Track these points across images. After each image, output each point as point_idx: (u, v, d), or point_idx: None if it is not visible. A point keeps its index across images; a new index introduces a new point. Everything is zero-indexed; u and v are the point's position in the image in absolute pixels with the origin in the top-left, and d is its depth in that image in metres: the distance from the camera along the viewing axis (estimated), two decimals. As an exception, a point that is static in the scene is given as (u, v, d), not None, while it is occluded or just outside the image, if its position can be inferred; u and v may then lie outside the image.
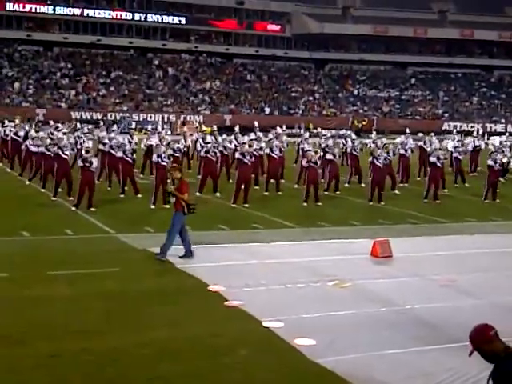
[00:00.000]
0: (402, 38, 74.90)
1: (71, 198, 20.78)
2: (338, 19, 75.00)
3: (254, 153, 24.01)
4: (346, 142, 30.88)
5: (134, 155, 23.23)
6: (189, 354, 8.98)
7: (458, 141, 32.10)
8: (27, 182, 24.58)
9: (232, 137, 29.36)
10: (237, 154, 22.19)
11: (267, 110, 66.89)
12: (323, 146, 26.63)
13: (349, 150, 27.92)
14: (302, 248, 15.64)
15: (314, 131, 37.47)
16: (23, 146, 26.45)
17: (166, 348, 9.15)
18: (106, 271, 12.98)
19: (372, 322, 10.49)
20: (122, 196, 22.17)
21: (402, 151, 27.16)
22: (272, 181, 24.37)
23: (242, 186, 21.36)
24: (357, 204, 22.72)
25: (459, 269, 13.96)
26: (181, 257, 13.81)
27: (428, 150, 27.30)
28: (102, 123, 39.26)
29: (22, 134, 29.46)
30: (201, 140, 27.49)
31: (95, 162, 20.41)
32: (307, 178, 22.27)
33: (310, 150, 23.88)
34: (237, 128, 32.03)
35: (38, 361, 8.58)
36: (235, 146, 26.69)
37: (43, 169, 23.14)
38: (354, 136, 32.01)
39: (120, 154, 22.75)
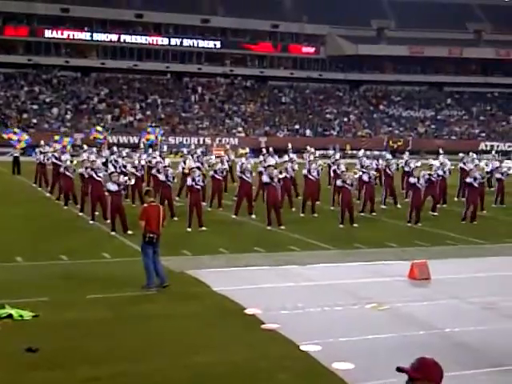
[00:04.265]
0: (438, 59, 74.52)
1: (108, 221, 20.98)
2: (372, 40, 74.94)
3: (286, 175, 24.03)
4: (378, 162, 30.80)
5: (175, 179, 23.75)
6: (227, 379, 8.97)
7: (499, 161, 31.77)
8: (65, 207, 24.85)
9: (261, 158, 29.48)
10: (264, 177, 22.16)
11: (308, 132, 66.84)
12: (358, 166, 26.57)
13: (384, 167, 27.91)
14: (338, 270, 15.55)
15: (349, 152, 37.42)
16: (61, 170, 26.84)
17: (205, 372, 9.14)
18: (144, 294, 13.05)
19: (411, 346, 10.35)
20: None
21: (440, 172, 26.95)
22: (308, 203, 24.30)
23: (272, 209, 21.38)
24: (393, 225, 22.55)
25: (500, 291, 13.74)
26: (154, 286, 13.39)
27: (467, 170, 26.98)
28: (141, 146, 39.66)
29: (64, 158, 29.68)
30: (240, 163, 27.59)
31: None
32: (341, 200, 22.17)
33: (346, 171, 23.75)
34: (264, 150, 32.15)
35: (78, 384, 8.64)
36: (264, 167, 26.67)
37: (81, 192, 23.47)
38: (388, 156, 31.82)
39: (163, 177, 23.09)
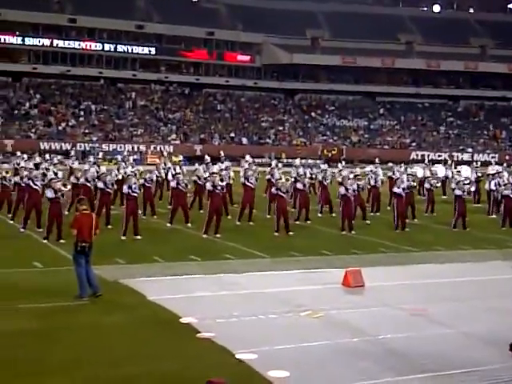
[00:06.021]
0: (370, 69, 75.78)
1: (40, 230, 20.57)
2: (307, 50, 75.68)
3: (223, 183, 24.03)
4: (313, 171, 31.00)
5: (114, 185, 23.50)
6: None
7: (429, 170, 32.40)
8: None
9: (202, 166, 29.41)
10: (208, 185, 22.09)
11: (244, 140, 66.95)
12: (294, 175, 26.73)
13: (320, 178, 28.01)
14: (273, 278, 15.60)
15: (285, 161, 37.67)
16: None
17: (140, 382, 9.04)
18: (77, 304, 12.83)
19: (345, 353, 10.48)
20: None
21: (372, 182, 27.35)
22: (245, 211, 24.27)
23: (214, 217, 21.30)
24: (328, 234, 22.76)
25: (430, 298, 14.03)
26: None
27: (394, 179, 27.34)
28: (72, 153, 39.06)
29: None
30: (172, 170, 27.46)
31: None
32: (276, 207, 22.25)
33: (280, 179, 23.90)
34: (207, 157, 32.13)
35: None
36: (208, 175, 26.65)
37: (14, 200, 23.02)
38: (323, 166, 32.13)
39: (101, 184, 22.72)
